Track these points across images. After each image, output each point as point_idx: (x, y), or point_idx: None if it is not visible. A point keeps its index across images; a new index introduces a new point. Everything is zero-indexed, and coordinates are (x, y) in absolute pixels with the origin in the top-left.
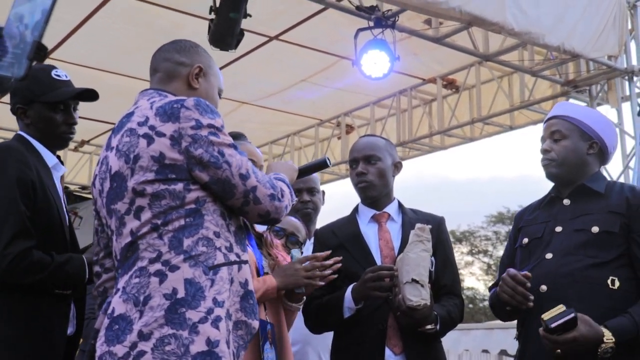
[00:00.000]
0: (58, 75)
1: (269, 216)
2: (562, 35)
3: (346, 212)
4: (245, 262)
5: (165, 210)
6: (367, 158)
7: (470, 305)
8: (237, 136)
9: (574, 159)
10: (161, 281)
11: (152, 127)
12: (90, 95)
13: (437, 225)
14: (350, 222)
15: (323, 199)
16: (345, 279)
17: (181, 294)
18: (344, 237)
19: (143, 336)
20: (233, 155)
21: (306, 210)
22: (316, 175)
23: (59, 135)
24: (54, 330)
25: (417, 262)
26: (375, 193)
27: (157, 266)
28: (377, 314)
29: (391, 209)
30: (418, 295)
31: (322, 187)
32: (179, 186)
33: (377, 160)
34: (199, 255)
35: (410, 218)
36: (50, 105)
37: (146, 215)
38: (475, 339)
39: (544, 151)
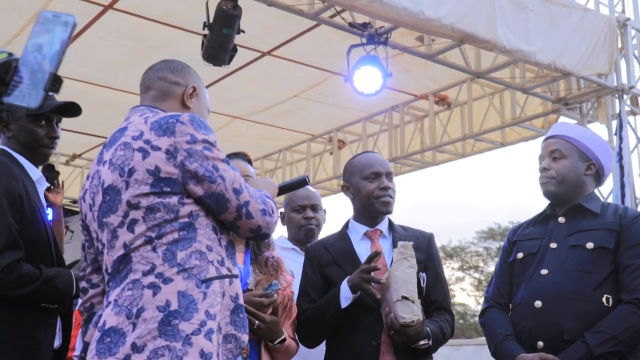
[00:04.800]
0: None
1: (260, 231)
2: (553, 54)
3: (337, 226)
4: (236, 276)
5: (159, 224)
6: (389, 174)
7: (461, 321)
8: (238, 155)
9: (573, 178)
10: (154, 293)
11: (147, 141)
12: (73, 109)
13: (426, 241)
14: (342, 238)
15: (325, 217)
16: None
17: (174, 306)
18: (336, 254)
19: (136, 348)
20: (227, 170)
21: (309, 227)
22: (318, 193)
23: (40, 149)
24: (40, 344)
25: (405, 279)
26: (392, 209)
27: (151, 278)
28: (371, 330)
29: (383, 225)
30: (410, 312)
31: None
32: (174, 200)
33: (393, 179)
34: (192, 269)
35: (401, 235)
36: (33, 118)
37: (140, 228)
38: (466, 355)
39: (543, 169)
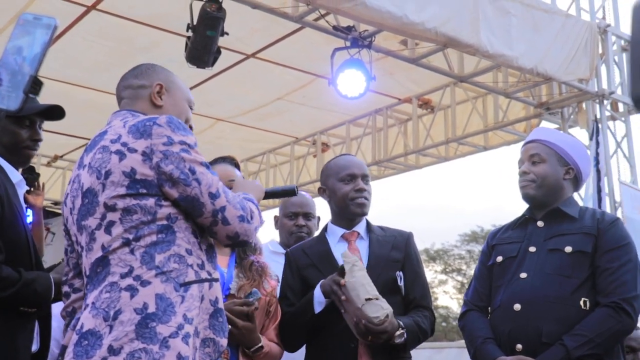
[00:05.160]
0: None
1: (237, 238)
2: (535, 59)
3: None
4: (217, 279)
5: (136, 225)
6: (365, 176)
7: (444, 324)
8: (225, 159)
9: (552, 182)
10: (132, 296)
11: (124, 144)
12: (57, 113)
13: (404, 240)
14: (320, 242)
15: (318, 225)
16: None
17: (152, 308)
18: (314, 257)
19: (113, 351)
20: (204, 173)
21: (300, 234)
22: (313, 201)
23: (22, 150)
24: (18, 348)
25: (361, 282)
26: (367, 211)
27: (129, 281)
28: (348, 333)
29: (360, 227)
30: (379, 309)
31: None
32: (150, 201)
33: (369, 181)
34: (171, 272)
35: (378, 236)
36: (16, 120)
37: (117, 230)
38: (448, 358)
39: (523, 173)
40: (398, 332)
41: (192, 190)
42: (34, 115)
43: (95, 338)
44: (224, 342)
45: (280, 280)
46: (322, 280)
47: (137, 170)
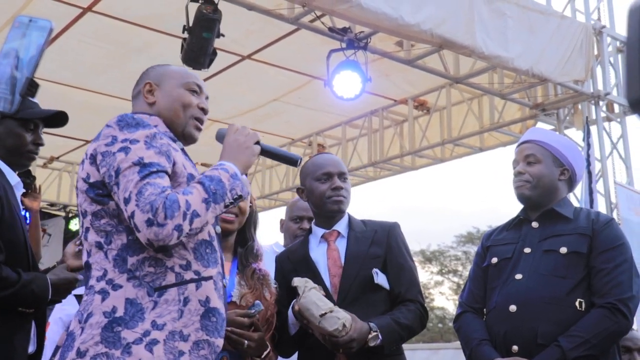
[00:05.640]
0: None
1: (152, 245)
2: (531, 60)
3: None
4: (207, 278)
5: (105, 229)
6: (341, 174)
7: (440, 325)
8: None
9: (547, 183)
10: (103, 299)
11: (86, 151)
12: (60, 119)
13: (385, 233)
14: (302, 245)
15: None
16: None
17: (120, 312)
18: (296, 262)
19: (80, 353)
20: (126, 175)
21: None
22: None
23: (25, 154)
24: (15, 348)
25: (311, 301)
26: (345, 208)
27: (102, 284)
28: (325, 349)
29: (341, 225)
30: (335, 322)
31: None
32: (112, 204)
33: (347, 179)
34: (145, 276)
35: (357, 232)
36: (23, 123)
37: (92, 234)
38: (445, 359)
39: (518, 173)
40: (371, 335)
41: (115, 195)
42: (38, 119)
43: (70, 339)
44: (219, 342)
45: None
46: (293, 303)
47: (90, 174)
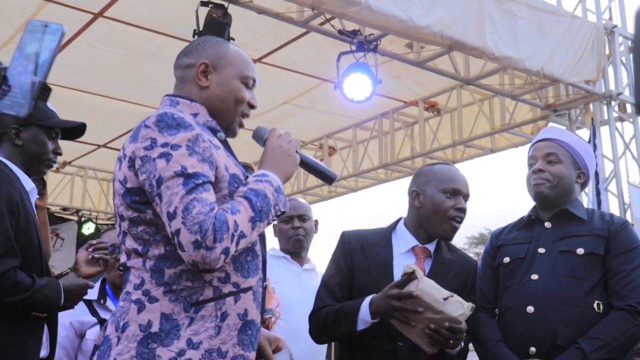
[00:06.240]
0: (50, 107)
1: (197, 267)
2: (542, 60)
3: (329, 234)
4: (246, 289)
5: (142, 237)
6: (467, 197)
7: None
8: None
9: (566, 184)
10: (139, 310)
11: (123, 148)
12: (79, 131)
13: (470, 270)
14: (383, 244)
15: (316, 228)
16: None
17: (155, 328)
18: (372, 260)
19: None
20: (169, 187)
21: (297, 237)
22: (307, 203)
23: (45, 161)
24: (28, 353)
25: (431, 285)
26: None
27: (139, 294)
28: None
29: (433, 245)
30: (459, 307)
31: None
32: (149, 212)
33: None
34: (182, 290)
35: (444, 258)
36: (47, 130)
37: (129, 240)
38: None
39: (539, 170)
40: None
41: (157, 207)
42: (60, 129)
43: (107, 345)
44: (252, 355)
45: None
46: (372, 299)
47: (127, 178)
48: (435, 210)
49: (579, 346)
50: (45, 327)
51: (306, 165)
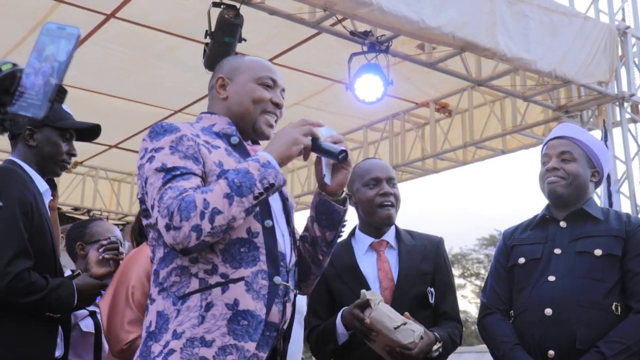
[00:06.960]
0: (66, 108)
1: (176, 249)
2: (554, 62)
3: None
4: (236, 280)
5: (152, 243)
6: (390, 179)
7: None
8: None
9: (581, 182)
10: (146, 313)
11: None
12: (93, 132)
13: (434, 249)
14: (346, 251)
15: None
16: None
17: (153, 326)
18: (340, 268)
19: None
20: (152, 183)
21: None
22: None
23: (59, 162)
24: (43, 353)
25: (384, 313)
26: (393, 220)
27: (149, 299)
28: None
29: (390, 235)
30: (411, 335)
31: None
32: (152, 218)
33: (395, 184)
34: (171, 286)
35: (407, 245)
36: (61, 132)
37: (150, 246)
38: None
39: (553, 169)
40: (435, 347)
41: (147, 203)
42: (74, 130)
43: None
44: (250, 346)
45: None
46: (342, 313)
47: (139, 189)
48: (367, 204)
49: (599, 349)
50: (60, 328)
51: (320, 148)
